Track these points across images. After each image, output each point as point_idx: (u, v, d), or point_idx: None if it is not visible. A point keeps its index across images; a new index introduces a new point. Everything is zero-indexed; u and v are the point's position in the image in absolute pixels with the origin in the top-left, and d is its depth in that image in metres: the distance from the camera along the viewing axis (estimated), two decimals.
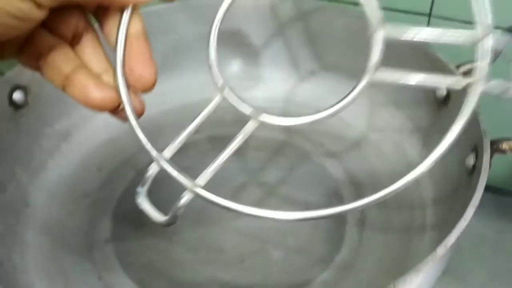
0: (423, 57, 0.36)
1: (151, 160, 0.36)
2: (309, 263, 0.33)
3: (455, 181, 0.33)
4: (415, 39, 0.22)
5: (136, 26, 0.23)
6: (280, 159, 0.41)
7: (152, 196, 0.24)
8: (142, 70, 0.23)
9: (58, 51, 0.23)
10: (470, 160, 0.31)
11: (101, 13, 0.23)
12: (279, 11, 0.45)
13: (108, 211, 0.38)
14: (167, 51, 0.46)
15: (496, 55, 0.22)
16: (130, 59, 0.23)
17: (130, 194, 0.37)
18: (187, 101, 0.46)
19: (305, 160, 0.41)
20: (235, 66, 0.47)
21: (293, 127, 0.23)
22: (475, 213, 0.26)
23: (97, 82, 0.23)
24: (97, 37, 0.24)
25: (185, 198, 0.23)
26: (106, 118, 0.43)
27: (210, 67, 0.25)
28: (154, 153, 0.23)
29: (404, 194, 0.37)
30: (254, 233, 0.35)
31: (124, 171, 0.41)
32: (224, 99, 0.24)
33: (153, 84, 0.23)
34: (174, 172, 0.23)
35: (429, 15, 0.41)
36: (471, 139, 0.31)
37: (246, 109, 0.24)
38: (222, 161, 0.24)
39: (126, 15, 0.23)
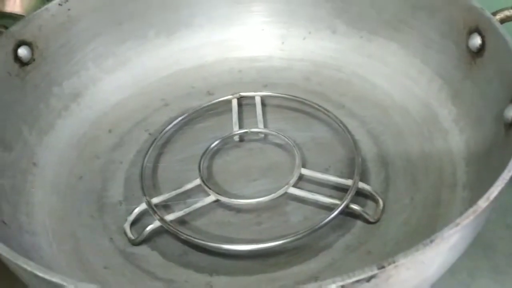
0: (457, 3, 0.34)
1: (164, 123, 0.40)
2: (330, 226, 0.32)
3: (491, 137, 0.31)
4: None
5: None
6: (299, 121, 0.40)
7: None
8: None
9: None
10: (510, 112, 0.28)
11: None
12: None
13: (120, 173, 0.37)
14: (181, 8, 0.44)
15: None
16: None
17: (142, 157, 0.36)
18: (203, 61, 0.45)
19: (325, 122, 0.39)
20: (253, 24, 0.46)
21: None
22: None
23: None
24: None
25: (151, 226, 0.32)
26: (117, 79, 0.42)
27: None
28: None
29: (432, 153, 0.35)
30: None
31: (136, 133, 0.40)
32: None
33: None
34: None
35: None
36: (511, 88, 0.29)
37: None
38: (193, 209, 0.33)
39: None
